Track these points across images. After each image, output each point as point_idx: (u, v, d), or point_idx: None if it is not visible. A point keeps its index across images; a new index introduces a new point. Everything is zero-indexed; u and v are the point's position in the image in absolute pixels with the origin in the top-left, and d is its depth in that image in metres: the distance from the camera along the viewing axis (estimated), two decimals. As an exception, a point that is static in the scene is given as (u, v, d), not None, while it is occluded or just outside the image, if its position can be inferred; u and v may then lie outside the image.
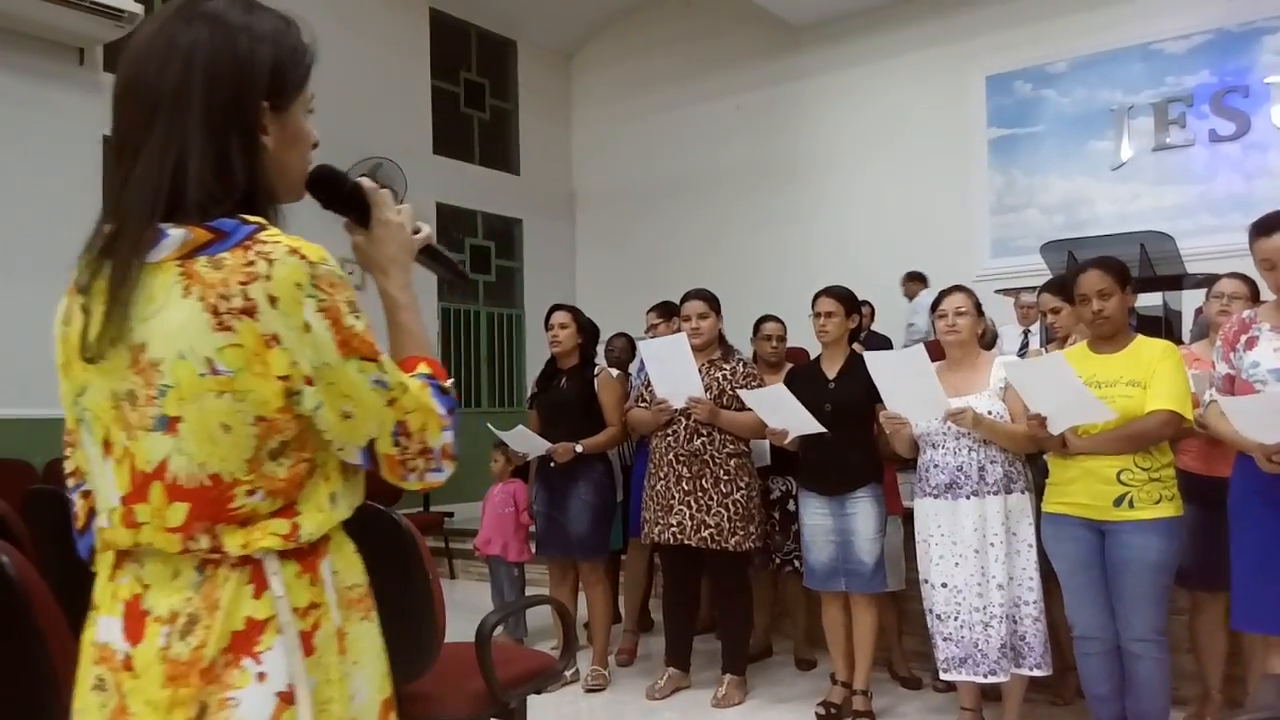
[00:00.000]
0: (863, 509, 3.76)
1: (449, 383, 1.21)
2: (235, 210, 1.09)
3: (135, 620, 1.09)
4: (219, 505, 1.07)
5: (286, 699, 1.06)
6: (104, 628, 1.11)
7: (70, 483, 1.25)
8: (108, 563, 1.14)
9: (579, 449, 4.30)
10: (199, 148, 1.08)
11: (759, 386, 4.07)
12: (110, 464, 1.11)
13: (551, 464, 4.36)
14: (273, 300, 1.04)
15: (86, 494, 1.20)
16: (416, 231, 1.31)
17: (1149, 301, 5.26)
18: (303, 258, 1.07)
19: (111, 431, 1.11)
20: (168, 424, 1.07)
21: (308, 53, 1.20)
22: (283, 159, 1.17)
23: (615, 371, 4.71)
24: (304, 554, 1.11)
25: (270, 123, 1.14)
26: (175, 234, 1.06)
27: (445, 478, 1.19)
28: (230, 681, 1.05)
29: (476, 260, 9.78)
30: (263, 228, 1.09)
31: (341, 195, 1.27)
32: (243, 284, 1.04)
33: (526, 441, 4.38)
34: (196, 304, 1.05)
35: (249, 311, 1.04)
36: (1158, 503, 3.01)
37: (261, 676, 1.05)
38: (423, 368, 1.20)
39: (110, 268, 1.07)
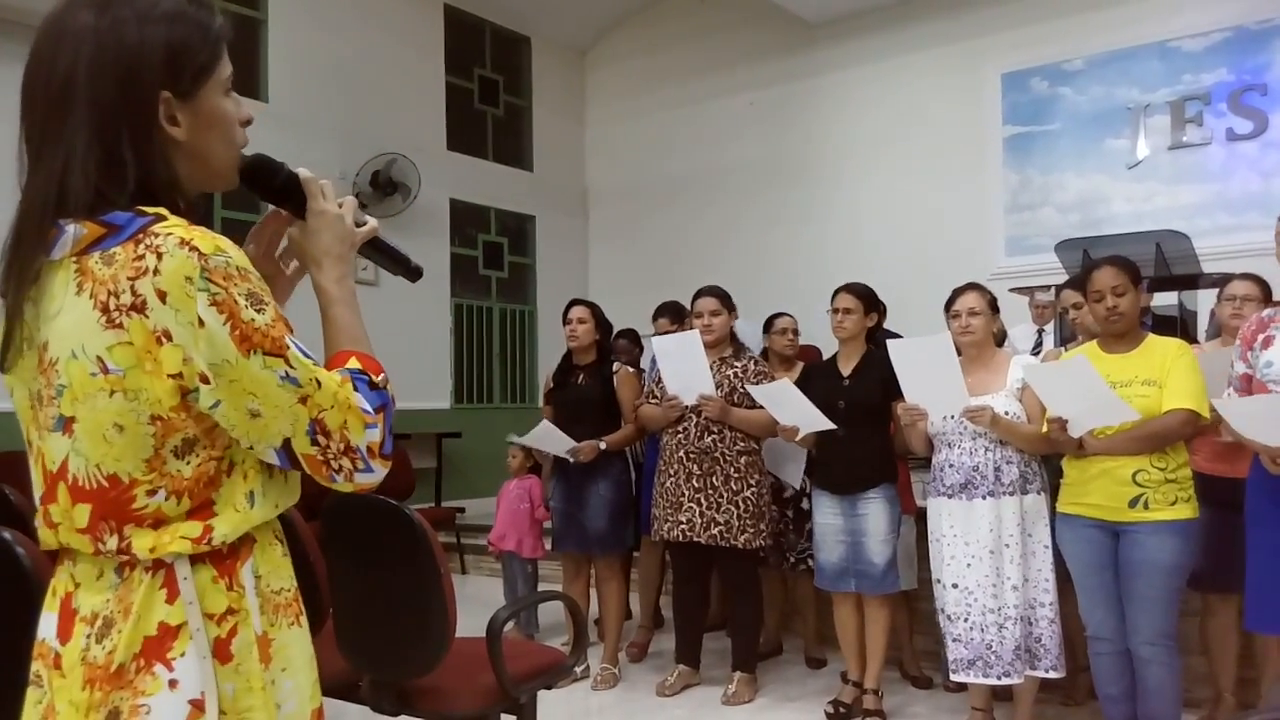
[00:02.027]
0: (874, 509, 3.75)
1: (381, 378, 1.15)
2: (131, 204, 1.05)
3: (66, 619, 1.08)
4: (120, 506, 1.05)
5: (199, 707, 1.04)
6: (44, 623, 1.11)
7: None
8: (56, 558, 1.13)
9: (603, 446, 4.31)
10: (84, 145, 1.04)
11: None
12: (31, 464, 1.11)
13: (572, 460, 4.36)
14: (162, 295, 1.00)
15: None
16: (361, 225, 1.26)
17: (1164, 301, 5.22)
18: (193, 249, 1.01)
19: (30, 431, 1.11)
20: (64, 424, 1.06)
21: (214, 33, 1.12)
22: (201, 146, 1.12)
23: (630, 369, 4.71)
24: (221, 558, 1.08)
25: (179, 111, 1.09)
26: (70, 230, 1.03)
27: (378, 479, 1.13)
28: (143, 688, 1.03)
29: (489, 256, 9.79)
30: (160, 219, 1.04)
31: (276, 185, 1.22)
32: (131, 279, 1.01)
33: (549, 440, 4.36)
34: (88, 302, 1.03)
35: (138, 308, 1.01)
36: (1173, 504, 2.99)
37: (173, 684, 1.03)
38: (352, 363, 1.15)
39: (15, 270, 1.06)
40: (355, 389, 1.11)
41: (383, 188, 8.22)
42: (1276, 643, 3.28)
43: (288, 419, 1.06)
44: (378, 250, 1.31)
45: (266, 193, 1.22)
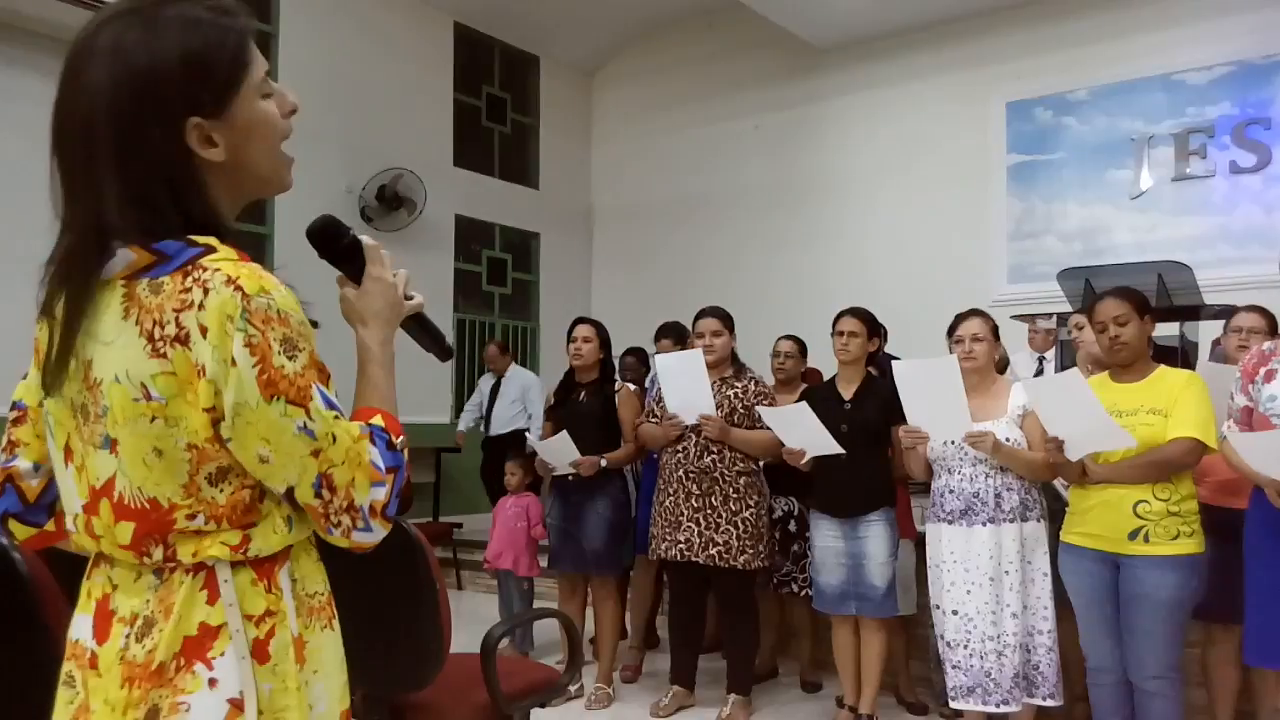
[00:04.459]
0: (875, 532, 3.74)
1: (400, 440, 1.15)
2: (180, 232, 1.05)
3: (103, 619, 1.09)
4: (163, 526, 1.06)
5: (238, 706, 1.05)
6: (78, 625, 1.12)
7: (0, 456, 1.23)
8: (90, 561, 1.14)
9: (604, 463, 4.30)
10: (111, 188, 1.04)
11: (771, 405, 4.06)
12: (72, 471, 1.11)
13: (570, 477, 4.36)
14: (204, 330, 1.02)
15: (7, 468, 1.21)
16: (410, 298, 1.28)
17: (1165, 331, 5.21)
18: (238, 289, 1.02)
19: (72, 439, 1.11)
20: (111, 444, 1.07)
21: (234, 38, 1.09)
22: (245, 159, 1.11)
23: (633, 386, 4.71)
24: (260, 561, 1.09)
25: (214, 131, 1.07)
26: (122, 254, 1.04)
27: (375, 539, 1.12)
28: (183, 686, 1.04)
29: (493, 272, 9.82)
30: (209, 250, 1.05)
31: (339, 247, 1.24)
32: (177, 311, 1.02)
33: (559, 451, 4.33)
34: (134, 328, 1.04)
35: (182, 340, 1.02)
36: (1175, 538, 2.96)
37: (213, 683, 1.05)
38: (376, 419, 1.15)
39: (68, 289, 1.06)
40: (373, 443, 1.12)
41: (388, 202, 8.26)
42: (1275, 677, 3.26)
43: (296, 469, 1.06)
44: (420, 325, 1.33)
45: (329, 254, 1.24)
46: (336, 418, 1.09)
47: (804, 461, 3.82)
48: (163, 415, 1.04)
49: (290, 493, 1.07)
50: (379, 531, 1.12)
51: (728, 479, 4.03)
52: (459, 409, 9.22)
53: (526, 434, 4.60)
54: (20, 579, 1.76)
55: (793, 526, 4.42)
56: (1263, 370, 2.94)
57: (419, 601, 2.43)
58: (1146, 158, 7.81)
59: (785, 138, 9.42)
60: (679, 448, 4.11)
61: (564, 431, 4.27)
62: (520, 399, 7.49)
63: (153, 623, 1.06)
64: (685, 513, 4.04)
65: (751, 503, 4.05)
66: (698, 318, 4.27)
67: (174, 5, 1.07)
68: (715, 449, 4.04)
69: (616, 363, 5.38)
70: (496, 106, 10.02)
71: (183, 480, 1.05)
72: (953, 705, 3.43)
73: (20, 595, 1.68)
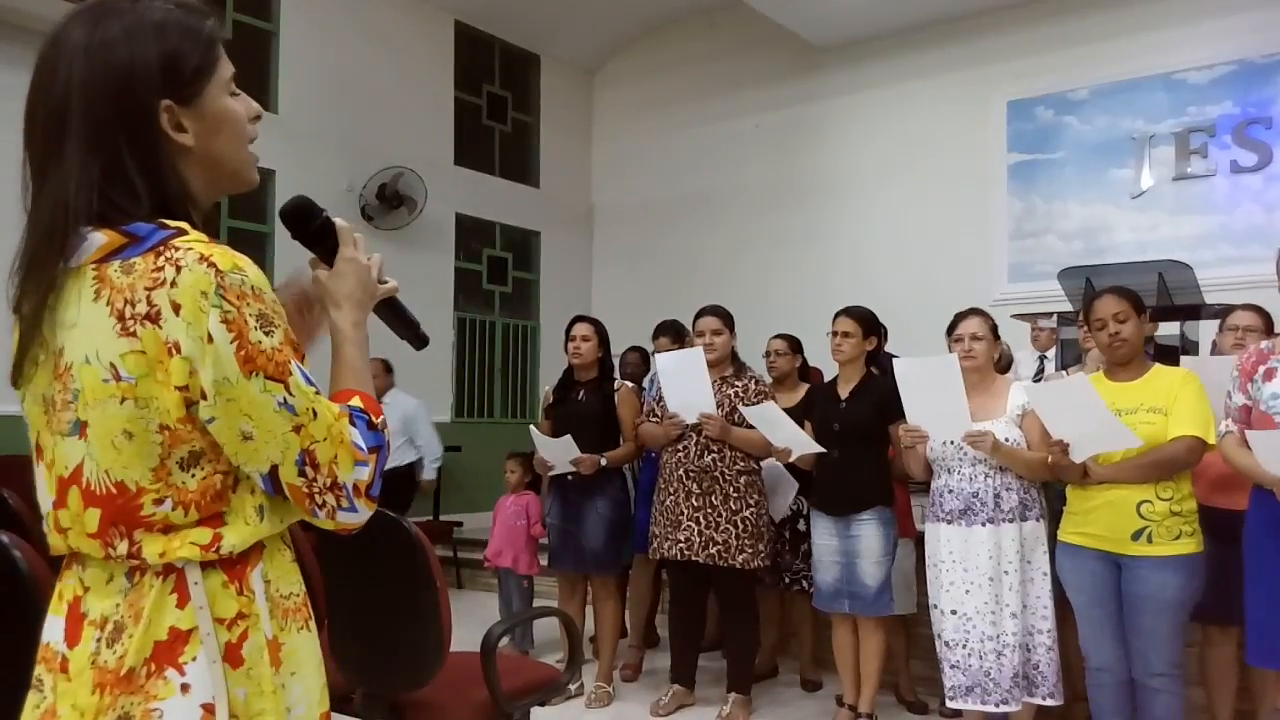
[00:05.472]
0: (868, 531, 3.74)
1: (380, 420, 1.15)
2: (152, 216, 1.06)
3: (74, 623, 1.08)
4: (129, 513, 1.05)
5: (211, 711, 1.04)
6: (50, 627, 1.11)
7: None
8: (63, 562, 1.14)
9: (604, 462, 4.30)
10: (83, 164, 1.05)
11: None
12: (42, 469, 1.12)
13: (569, 476, 4.36)
14: (176, 307, 1.02)
15: None
16: (383, 283, 1.28)
17: (1166, 331, 5.22)
18: (211, 265, 1.03)
19: (42, 436, 1.12)
20: (80, 429, 1.07)
21: (205, 35, 1.13)
22: (213, 150, 1.13)
23: (630, 385, 4.71)
24: (231, 563, 1.08)
25: (184, 117, 1.10)
26: (93, 238, 1.05)
27: (360, 520, 1.12)
28: (154, 692, 1.04)
29: (493, 271, 9.81)
30: (180, 233, 1.06)
31: (312, 228, 1.24)
32: (148, 289, 1.02)
33: (559, 449, 4.32)
34: (104, 309, 1.04)
35: (153, 318, 1.02)
36: (1176, 538, 2.98)
37: (185, 688, 1.04)
38: (355, 401, 1.15)
39: (32, 283, 1.06)
40: (353, 424, 1.12)
41: (389, 201, 8.25)
42: (1275, 676, 3.27)
43: (279, 446, 1.06)
44: (393, 310, 1.32)
45: (302, 234, 1.24)
46: (316, 394, 1.09)
47: (794, 458, 3.83)
48: (132, 396, 1.04)
49: (274, 473, 1.07)
50: (364, 512, 1.12)
51: (728, 478, 4.03)
52: (459, 408, 9.24)
53: (531, 429, 4.56)
54: (20, 578, 1.76)
55: (802, 525, 4.41)
56: (1262, 368, 2.94)
57: (419, 600, 2.44)
58: (1147, 157, 7.80)
59: (785, 137, 9.42)
60: (679, 447, 4.11)
61: (568, 435, 4.27)
62: (403, 429, 6.86)
63: (123, 627, 1.05)
64: (685, 512, 4.04)
65: (751, 502, 4.05)
66: (698, 316, 4.27)
67: (154, 4, 1.11)
68: (715, 448, 4.04)
69: (617, 361, 5.39)
70: (497, 105, 10.01)
71: (153, 464, 1.05)
72: (950, 705, 3.43)
73: (20, 594, 1.69)
